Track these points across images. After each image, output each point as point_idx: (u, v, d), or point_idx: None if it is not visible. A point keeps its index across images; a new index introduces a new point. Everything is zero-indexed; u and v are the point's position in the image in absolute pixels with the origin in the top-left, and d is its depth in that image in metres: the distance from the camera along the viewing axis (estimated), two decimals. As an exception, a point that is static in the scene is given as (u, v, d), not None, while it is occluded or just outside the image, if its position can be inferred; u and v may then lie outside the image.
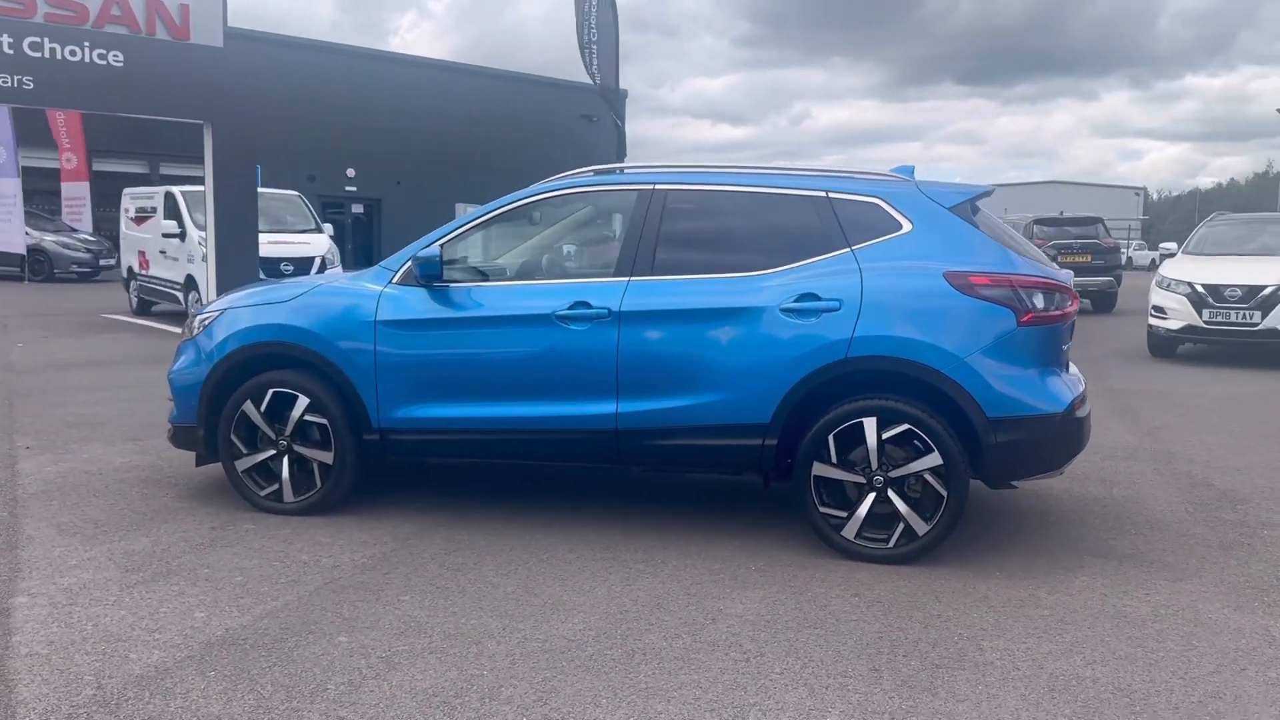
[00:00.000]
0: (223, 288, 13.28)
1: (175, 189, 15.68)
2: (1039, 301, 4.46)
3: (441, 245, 5.00)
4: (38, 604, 3.93)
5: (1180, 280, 11.71)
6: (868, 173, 5.02)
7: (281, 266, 14.55)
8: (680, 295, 4.70)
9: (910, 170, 5.12)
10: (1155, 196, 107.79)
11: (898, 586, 4.21)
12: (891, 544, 4.47)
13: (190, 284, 14.65)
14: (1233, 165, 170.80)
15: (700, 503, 5.54)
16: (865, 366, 4.47)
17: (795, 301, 4.54)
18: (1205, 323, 11.36)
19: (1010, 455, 4.43)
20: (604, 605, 3.99)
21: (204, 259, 13.98)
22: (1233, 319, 11.20)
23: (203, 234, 14.25)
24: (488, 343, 4.89)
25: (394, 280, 5.06)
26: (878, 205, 4.67)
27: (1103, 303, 19.05)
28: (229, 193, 13.29)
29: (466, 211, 5.35)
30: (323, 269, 15.02)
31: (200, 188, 16.91)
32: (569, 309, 4.76)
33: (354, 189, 34.50)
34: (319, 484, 5.13)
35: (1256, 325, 11.10)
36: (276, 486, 5.16)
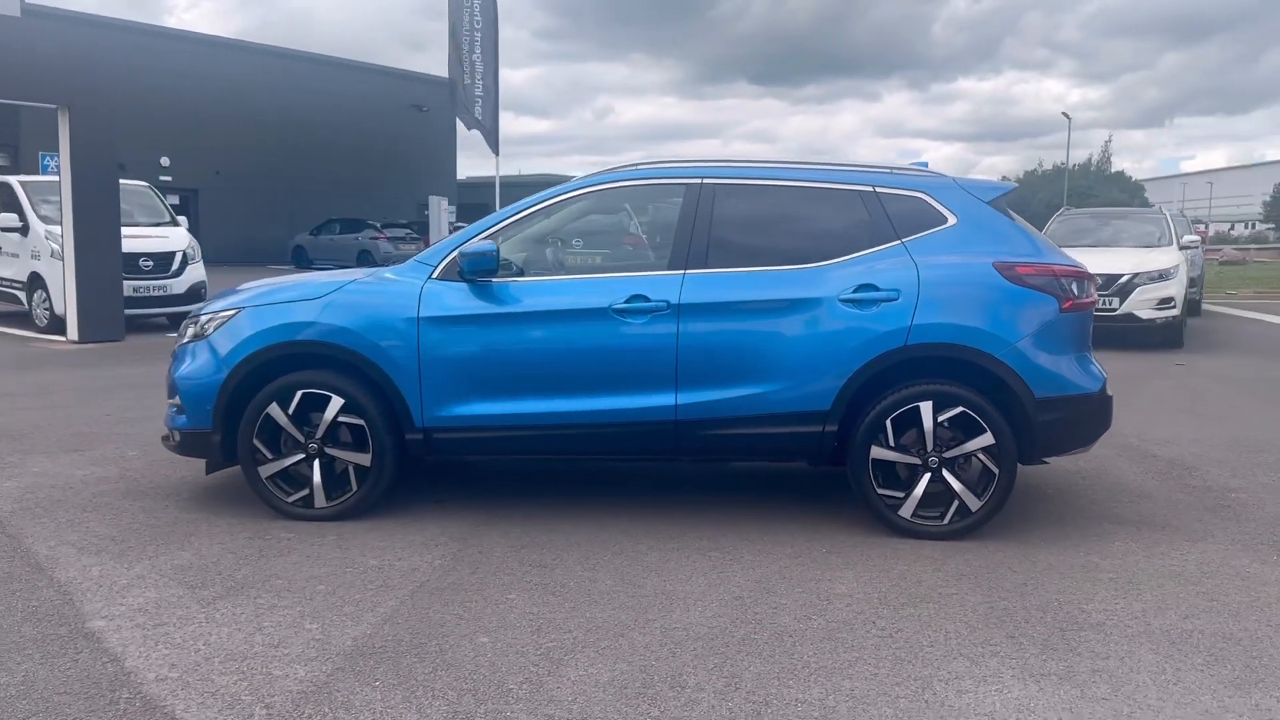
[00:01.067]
0: (85, 286, 12.39)
1: (14, 179, 14.41)
2: (1075, 289, 4.81)
3: (495, 240, 4.91)
4: (122, 627, 3.65)
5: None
6: (904, 168, 5.26)
7: (141, 263, 13.63)
8: (740, 288, 4.80)
9: (925, 165, 5.39)
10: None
11: (968, 560, 4.46)
12: (946, 521, 4.72)
13: (36, 283, 13.52)
14: (1000, 164, 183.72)
15: (729, 489, 5.65)
16: (922, 354, 4.70)
17: (854, 292, 4.72)
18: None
19: (1054, 433, 4.77)
20: (715, 593, 4.05)
21: (54, 256, 12.94)
22: (1096, 306, 12.19)
23: (51, 228, 13.19)
24: (541, 337, 4.84)
25: (434, 275, 4.93)
26: (923, 199, 4.91)
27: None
28: (88, 184, 12.38)
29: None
30: (184, 265, 14.18)
31: (44, 178, 15.72)
32: (626, 303, 4.77)
33: (168, 179, 32.50)
34: (354, 487, 4.94)
35: (1115, 310, 12.15)
36: (306, 492, 4.93)
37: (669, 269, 4.86)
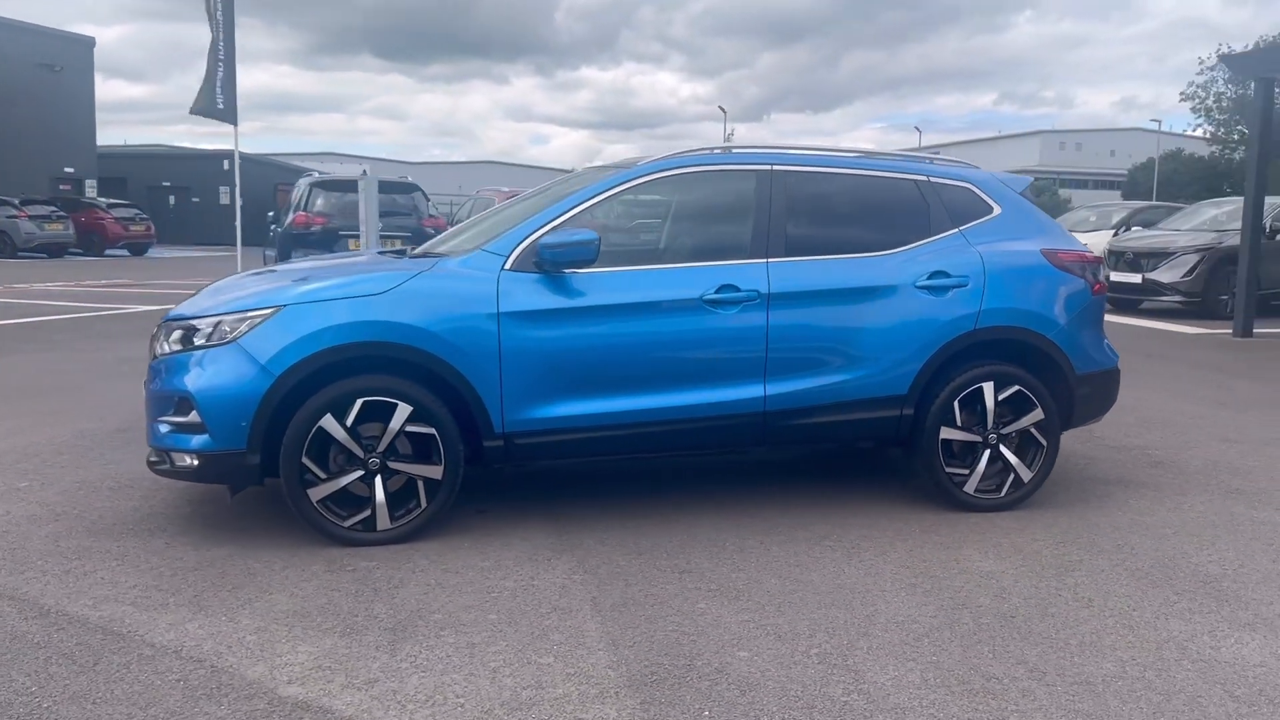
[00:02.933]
0: None
1: None
2: (1098, 274, 5.27)
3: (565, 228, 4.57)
4: (331, 691, 3.08)
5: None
6: (942, 159, 5.47)
7: None
8: (823, 276, 4.80)
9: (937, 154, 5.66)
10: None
11: (1038, 536, 4.77)
12: (1003, 493, 5.02)
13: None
14: (623, 153, 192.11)
15: (762, 478, 5.63)
16: (988, 337, 4.96)
17: (929, 279, 4.88)
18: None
19: (1086, 406, 5.21)
20: (862, 582, 4.04)
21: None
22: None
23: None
24: (630, 331, 4.58)
25: (507, 266, 4.50)
26: (970, 190, 5.16)
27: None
28: None
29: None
30: None
31: None
32: (717, 293, 4.63)
33: None
34: (423, 504, 4.42)
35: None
36: (367, 513, 4.35)
37: (751, 258, 4.77)
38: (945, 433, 4.94)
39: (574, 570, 4.12)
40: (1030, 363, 5.05)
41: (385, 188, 12.66)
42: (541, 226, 4.58)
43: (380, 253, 5.84)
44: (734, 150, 5.08)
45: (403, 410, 4.32)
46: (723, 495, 5.19)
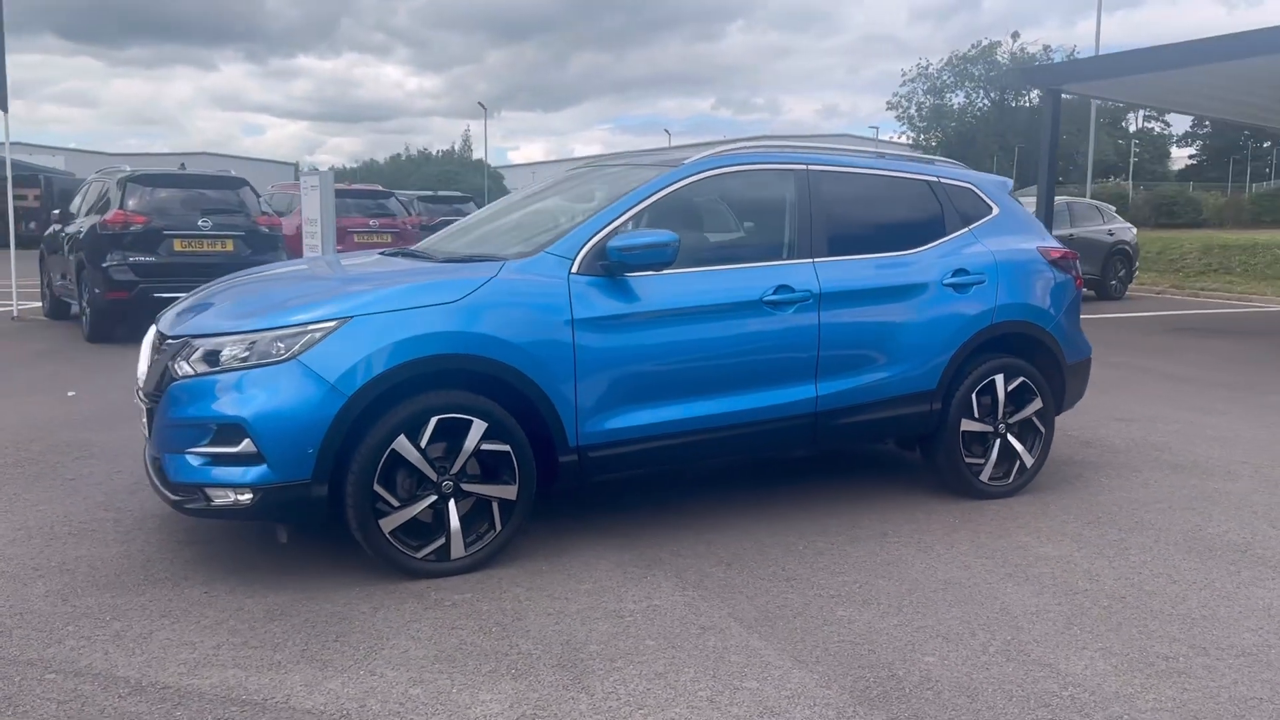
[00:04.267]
0: None
1: None
2: (1079, 269, 5.62)
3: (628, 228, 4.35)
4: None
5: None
6: (941, 160, 5.62)
7: None
8: (866, 274, 4.84)
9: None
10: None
11: (1063, 519, 5.04)
12: (1011, 480, 5.26)
13: None
14: (345, 145, 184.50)
15: (780, 478, 5.59)
16: (1001, 331, 5.18)
17: (953, 276, 5.03)
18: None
19: (1069, 393, 5.54)
20: (961, 575, 4.11)
21: None
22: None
23: None
24: (696, 335, 4.42)
25: (574, 270, 4.24)
26: (973, 190, 5.36)
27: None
28: None
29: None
30: None
31: None
32: (774, 294, 4.57)
33: None
34: (497, 527, 4.09)
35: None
36: (440, 541, 3.98)
37: (796, 258, 4.73)
38: (966, 424, 5.12)
39: (681, 586, 3.95)
40: (1032, 354, 5.32)
41: (205, 183, 11.60)
42: (603, 227, 4.34)
43: (383, 253, 5.34)
44: (771, 149, 5.02)
45: (478, 427, 3.97)
46: (749, 497, 5.12)
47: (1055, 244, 5.59)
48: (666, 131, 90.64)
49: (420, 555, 3.96)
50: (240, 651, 3.31)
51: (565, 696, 3.04)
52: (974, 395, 5.10)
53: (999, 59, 78.80)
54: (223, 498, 3.79)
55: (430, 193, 22.71)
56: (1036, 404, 5.28)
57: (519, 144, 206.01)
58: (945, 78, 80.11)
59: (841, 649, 3.41)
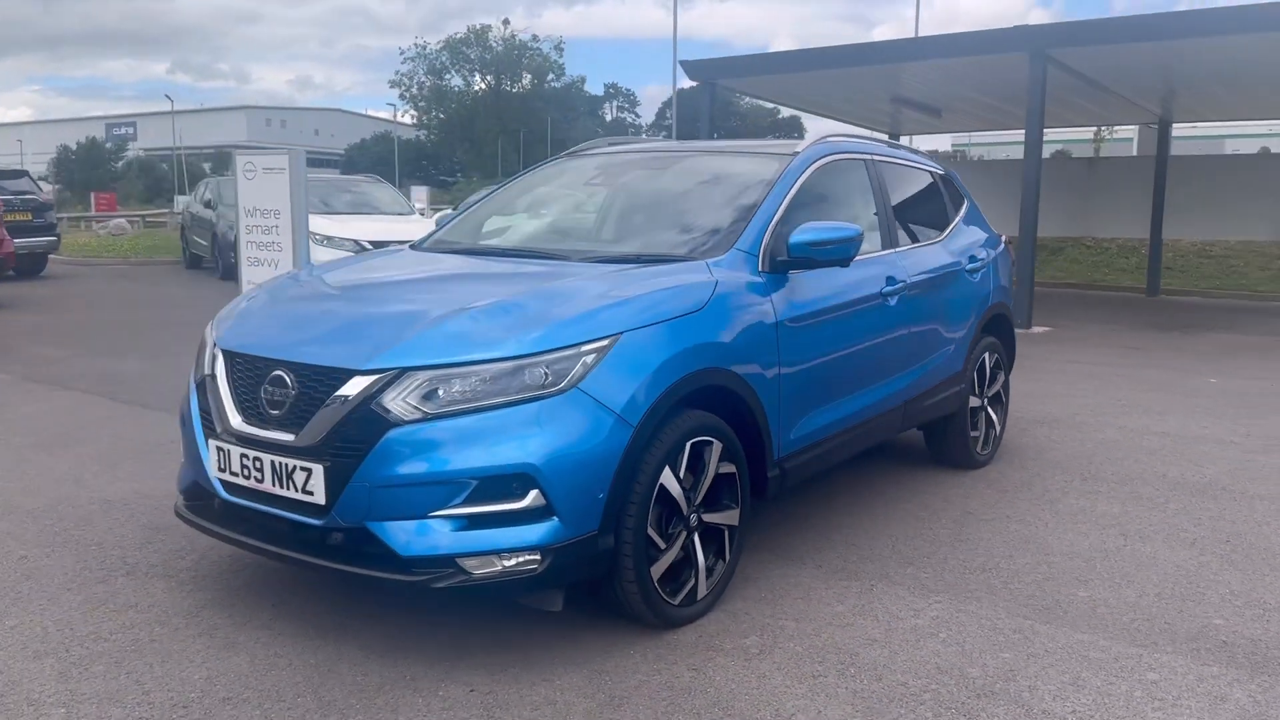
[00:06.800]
0: None
1: None
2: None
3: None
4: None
5: (344, 238, 12.56)
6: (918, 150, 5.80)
7: None
8: (929, 262, 4.96)
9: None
10: None
11: (1043, 488, 5.59)
12: (989, 449, 5.70)
13: None
14: None
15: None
16: (994, 313, 5.57)
17: (970, 261, 5.32)
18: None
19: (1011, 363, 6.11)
20: (1076, 546, 4.51)
21: None
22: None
23: None
24: (846, 331, 4.28)
25: (761, 268, 3.87)
26: (952, 182, 5.66)
27: (36, 266, 17.19)
28: None
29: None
30: None
31: None
32: (886, 285, 4.54)
33: None
34: (726, 557, 3.66)
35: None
36: (691, 584, 3.49)
37: (882, 248, 4.72)
38: (973, 401, 5.46)
39: (886, 595, 3.81)
40: (1000, 331, 5.79)
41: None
42: (769, 222, 4.01)
43: (414, 247, 4.47)
44: (845, 138, 4.87)
45: (715, 449, 3.53)
46: (813, 499, 5.04)
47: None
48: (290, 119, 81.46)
49: (677, 602, 3.43)
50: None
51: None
52: (975, 372, 5.45)
53: (492, 44, 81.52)
54: (488, 567, 3.00)
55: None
56: (1003, 376, 5.78)
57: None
58: (443, 58, 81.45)
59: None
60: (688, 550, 3.46)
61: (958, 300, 5.20)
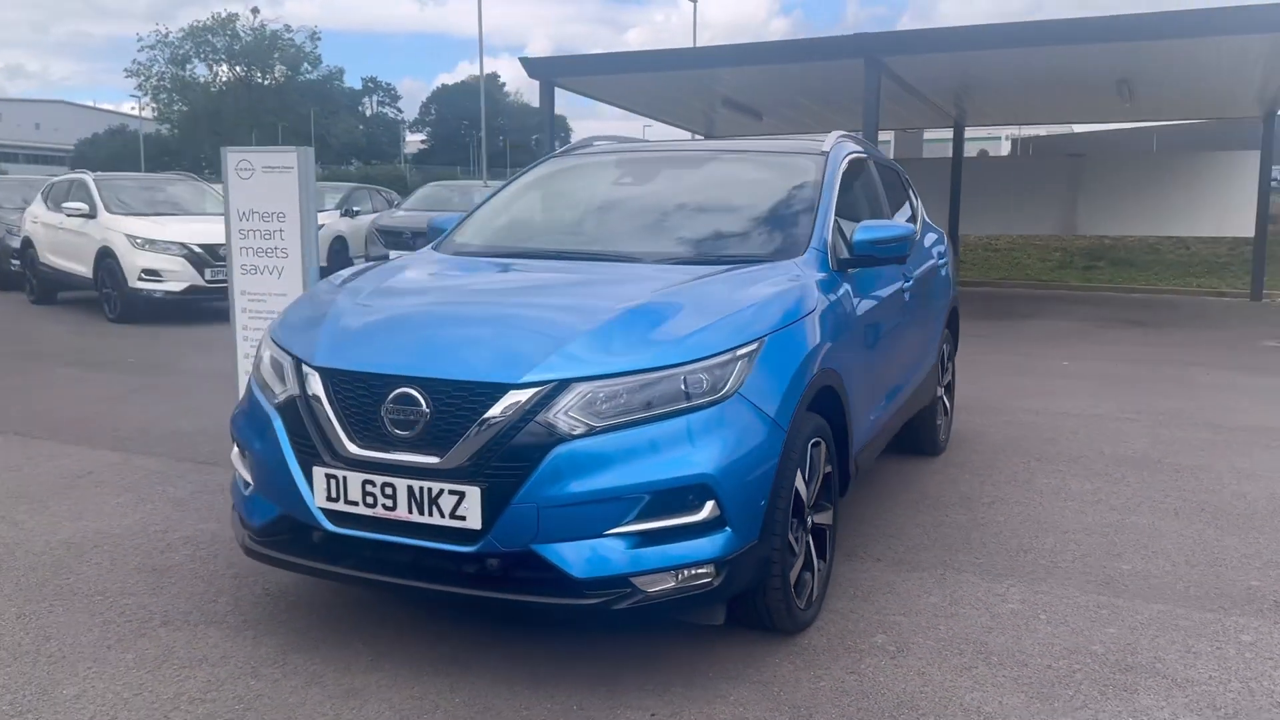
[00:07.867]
0: None
1: None
2: None
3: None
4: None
5: (169, 241, 11.54)
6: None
7: None
8: (920, 258, 5.09)
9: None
10: None
11: (1010, 474, 5.90)
12: (946, 436, 5.95)
13: None
14: None
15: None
16: (952, 305, 5.79)
17: (938, 256, 5.52)
18: (208, 282, 11.51)
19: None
20: (1129, 523, 4.80)
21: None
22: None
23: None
24: (887, 326, 4.36)
25: (831, 267, 3.86)
26: (904, 175, 5.82)
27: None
28: None
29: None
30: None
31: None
32: (905, 281, 4.64)
33: None
34: (828, 557, 3.64)
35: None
36: (810, 587, 3.45)
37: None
38: (939, 390, 5.67)
39: (962, 583, 3.92)
40: (953, 324, 6.03)
41: None
42: (829, 220, 4.00)
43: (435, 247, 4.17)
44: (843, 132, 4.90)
45: (823, 450, 3.50)
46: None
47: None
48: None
49: (805, 608, 3.38)
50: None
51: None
52: (940, 362, 5.67)
53: (240, 33, 77.50)
54: (661, 584, 2.85)
55: None
56: (952, 366, 6.04)
57: None
58: (187, 47, 76.97)
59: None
60: (805, 553, 3.41)
61: (936, 294, 5.40)
